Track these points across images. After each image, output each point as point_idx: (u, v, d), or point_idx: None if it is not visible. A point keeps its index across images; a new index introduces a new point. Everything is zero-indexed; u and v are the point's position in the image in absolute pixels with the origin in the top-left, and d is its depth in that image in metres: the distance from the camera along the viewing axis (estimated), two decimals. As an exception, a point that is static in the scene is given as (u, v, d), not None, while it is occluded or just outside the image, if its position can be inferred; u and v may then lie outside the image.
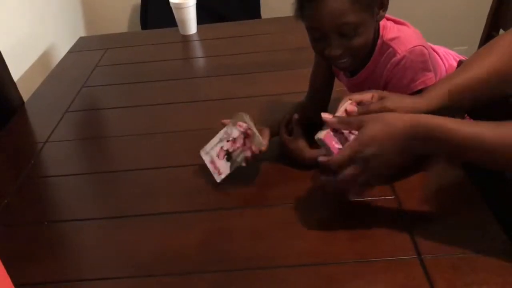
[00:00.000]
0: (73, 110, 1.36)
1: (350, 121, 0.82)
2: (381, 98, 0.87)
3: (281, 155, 1.03)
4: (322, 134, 0.83)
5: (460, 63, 1.02)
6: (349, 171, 0.78)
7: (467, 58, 1.09)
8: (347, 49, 0.92)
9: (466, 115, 1.03)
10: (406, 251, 0.79)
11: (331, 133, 0.83)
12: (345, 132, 0.84)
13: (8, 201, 1.02)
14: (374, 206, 0.88)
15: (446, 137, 0.74)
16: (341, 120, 0.82)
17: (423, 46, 0.95)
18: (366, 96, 0.88)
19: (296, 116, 1.00)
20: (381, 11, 0.93)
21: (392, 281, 0.75)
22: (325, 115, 0.83)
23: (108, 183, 1.06)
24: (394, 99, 0.87)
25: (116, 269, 0.84)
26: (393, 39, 0.95)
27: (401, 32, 0.96)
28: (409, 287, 0.73)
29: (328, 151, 0.83)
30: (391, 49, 0.95)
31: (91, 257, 0.88)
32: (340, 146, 0.83)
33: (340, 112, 0.85)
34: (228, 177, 0.96)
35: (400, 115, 0.79)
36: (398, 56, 0.94)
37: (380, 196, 0.89)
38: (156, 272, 0.82)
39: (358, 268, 0.77)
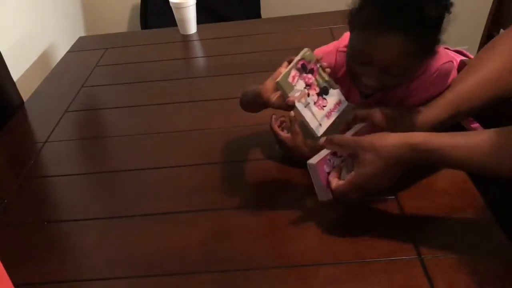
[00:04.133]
0: (73, 110, 1.36)
1: (344, 146, 0.83)
2: (388, 117, 0.87)
3: (281, 154, 1.03)
4: (315, 160, 0.83)
5: (461, 63, 1.02)
6: (349, 200, 0.83)
7: (465, 57, 1.09)
8: (384, 84, 0.87)
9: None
10: (406, 251, 0.79)
11: (328, 157, 0.84)
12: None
13: (8, 201, 1.02)
14: (374, 206, 0.88)
15: (440, 156, 0.75)
16: (336, 143, 0.83)
17: (452, 62, 0.93)
18: (374, 113, 0.87)
19: (292, 113, 0.99)
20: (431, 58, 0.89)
21: (392, 281, 0.74)
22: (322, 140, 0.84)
23: (108, 183, 1.06)
24: (403, 117, 0.88)
25: (116, 269, 0.84)
26: None
27: None
28: (409, 287, 0.73)
29: (316, 178, 0.83)
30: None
31: (91, 257, 0.88)
32: (329, 170, 0.84)
33: (350, 133, 0.86)
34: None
35: (387, 139, 0.79)
36: (429, 72, 0.91)
37: (380, 197, 0.89)
38: (156, 272, 0.82)
39: (358, 268, 0.77)
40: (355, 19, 0.86)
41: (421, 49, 0.83)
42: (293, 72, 0.84)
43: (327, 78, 0.88)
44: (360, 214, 0.88)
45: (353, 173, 0.81)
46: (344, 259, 0.79)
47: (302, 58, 0.85)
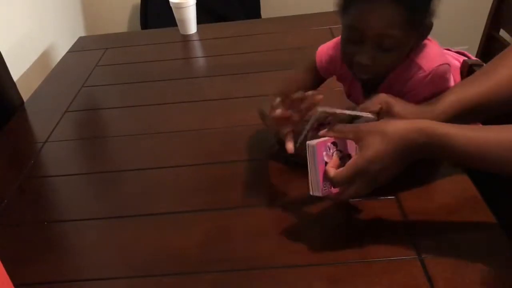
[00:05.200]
0: (73, 110, 1.36)
1: (345, 132, 0.80)
2: (388, 108, 0.85)
3: (281, 154, 1.03)
4: (315, 141, 0.80)
5: (464, 63, 1.01)
6: (351, 190, 0.77)
7: (467, 58, 1.08)
8: (378, 61, 0.88)
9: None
10: (406, 251, 0.79)
11: (328, 143, 0.81)
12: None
13: (8, 201, 1.02)
14: (375, 206, 0.88)
15: (448, 143, 0.73)
16: (338, 130, 0.80)
17: (448, 65, 0.93)
18: (374, 106, 0.85)
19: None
20: (425, 35, 0.90)
21: (392, 281, 0.74)
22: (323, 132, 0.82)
23: (108, 183, 1.06)
24: (401, 107, 0.85)
25: (116, 269, 0.84)
26: (418, 55, 0.92)
27: (427, 48, 0.93)
28: (409, 287, 0.73)
29: (312, 163, 0.80)
30: (417, 65, 0.92)
31: (91, 257, 0.88)
32: (329, 160, 0.80)
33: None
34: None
35: (396, 123, 0.77)
36: (423, 73, 0.91)
37: (380, 196, 0.89)
38: (156, 272, 0.82)
39: (358, 268, 0.77)
40: (343, 3, 0.89)
41: (411, 18, 0.85)
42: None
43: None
44: (360, 214, 0.88)
45: (355, 156, 0.77)
46: (344, 259, 0.79)
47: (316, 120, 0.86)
